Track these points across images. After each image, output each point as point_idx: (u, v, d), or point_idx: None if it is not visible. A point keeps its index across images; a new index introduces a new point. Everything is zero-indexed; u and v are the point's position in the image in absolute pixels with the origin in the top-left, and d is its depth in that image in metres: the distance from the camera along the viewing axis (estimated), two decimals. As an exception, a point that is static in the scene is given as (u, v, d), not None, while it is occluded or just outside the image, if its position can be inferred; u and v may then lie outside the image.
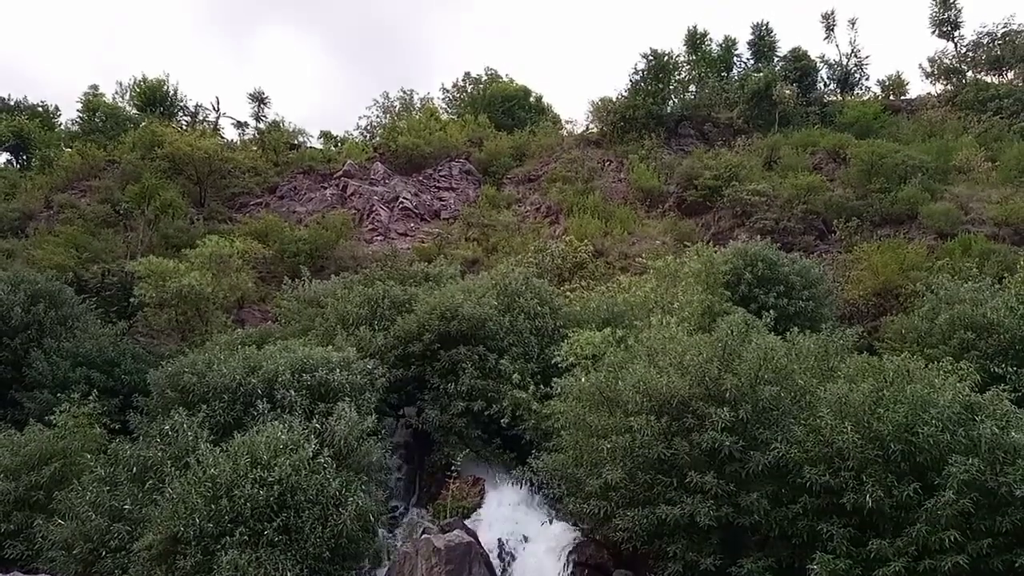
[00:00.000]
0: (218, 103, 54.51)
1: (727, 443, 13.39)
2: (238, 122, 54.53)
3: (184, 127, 50.71)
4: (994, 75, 53.06)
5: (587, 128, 53.22)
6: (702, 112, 51.22)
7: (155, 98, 52.66)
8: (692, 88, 54.34)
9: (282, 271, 32.00)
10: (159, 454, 15.33)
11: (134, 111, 54.06)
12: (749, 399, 13.96)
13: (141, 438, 16.96)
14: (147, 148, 43.33)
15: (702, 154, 44.27)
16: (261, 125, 54.42)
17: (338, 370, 17.70)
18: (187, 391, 17.52)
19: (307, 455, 14.48)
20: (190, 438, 15.34)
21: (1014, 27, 52.99)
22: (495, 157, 48.29)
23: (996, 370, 17.96)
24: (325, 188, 44.44)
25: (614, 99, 50.89)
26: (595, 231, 36.91)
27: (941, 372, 13.79)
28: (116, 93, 56.25)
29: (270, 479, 13.89)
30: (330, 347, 19.24)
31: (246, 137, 53.53)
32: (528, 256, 32.49)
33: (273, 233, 36.04)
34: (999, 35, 53.17)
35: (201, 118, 53.86)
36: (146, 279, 26.70)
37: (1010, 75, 51.86)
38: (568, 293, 27.30)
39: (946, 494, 11.44)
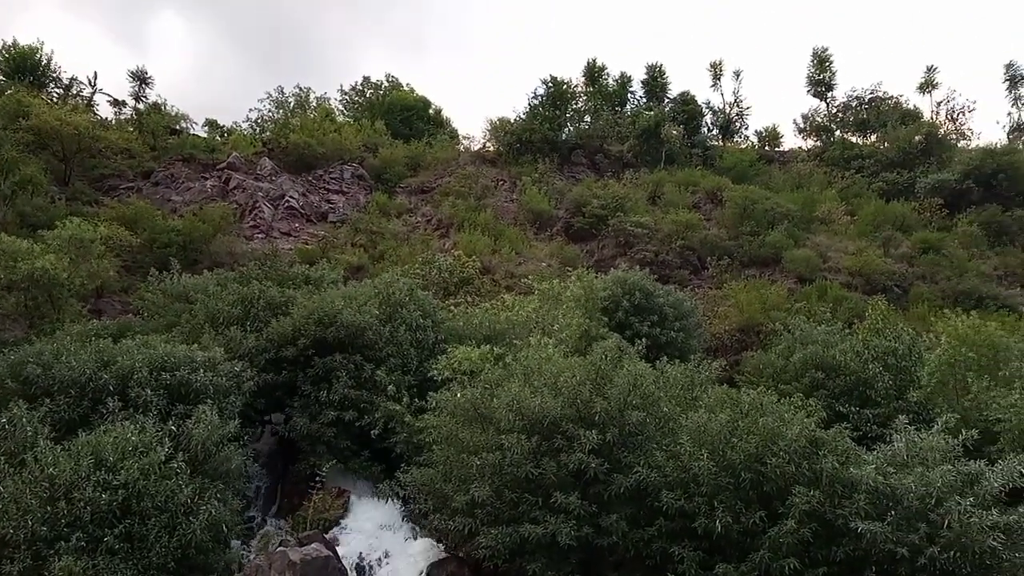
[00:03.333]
0: (95, 78, 50.75)
1: (593, 465, 13.69)
2: (115, 100, 51.12)
3: (55, 100, 47.08)
4: (859, 136, 57.93)
5: (484, 146, 53.81)
6: (595, 142, 52.93)
7: (25, 66, 48.53)
8: (587, 118, 56.05)
9: (150, 262, 30.13)
10: (-9, 449, 14.02)
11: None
12: (617, 423, 14.35)
13: (-28, 431, 15.42)
14: (10, 118, 39.83)
15: (592, 183, 45.73)
16: (141, 106, 51.36)
17: (202, 370, 16.82)
18: (30, 383, 16.14)
19: (158, 459, 13.63)
20: (29, 433, 14.11)
21: (880, 94, 58.23)
22: (389, 165, 47.82)
23: (840, 409, 19.42)
24: (206, 179, 42.40)
25: (512, 120, 51.79)
26: (484, 248, 37.16)
27: (791, 407, 14.69)
28: (-21, 56, 51.50)
29: (115, 482, 13.00)
30: (195, 346, 18.28)
31: (123, 117, 50.32)
32: (415, 267, 32.24)
33: (143, 221, 33.91)
34: (866, 100, 58.20)
35: (75, 92, 50.15)
36: (-6, 258, 24.43)
37: (873, 137, 56.74)
38: (452, 308, 27.25)
39: (788, 523, 12.14)
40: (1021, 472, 12.09)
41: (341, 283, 25.81)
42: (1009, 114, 57.32)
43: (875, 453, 13.50)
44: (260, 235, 37.94)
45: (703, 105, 57.80)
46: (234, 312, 21.26)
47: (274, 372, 19.94)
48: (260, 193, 40.97)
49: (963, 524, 11.46)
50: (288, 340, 20.10)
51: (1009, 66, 57.09)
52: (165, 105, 51.09)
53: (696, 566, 12.53)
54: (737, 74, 60.10)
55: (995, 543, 11.27)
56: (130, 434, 13.92)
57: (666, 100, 57.43)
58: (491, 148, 52.64)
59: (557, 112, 52.87)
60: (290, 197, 41.42)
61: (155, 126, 46.62)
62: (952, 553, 11.51)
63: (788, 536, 12.06)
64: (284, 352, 20.00)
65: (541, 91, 53.24)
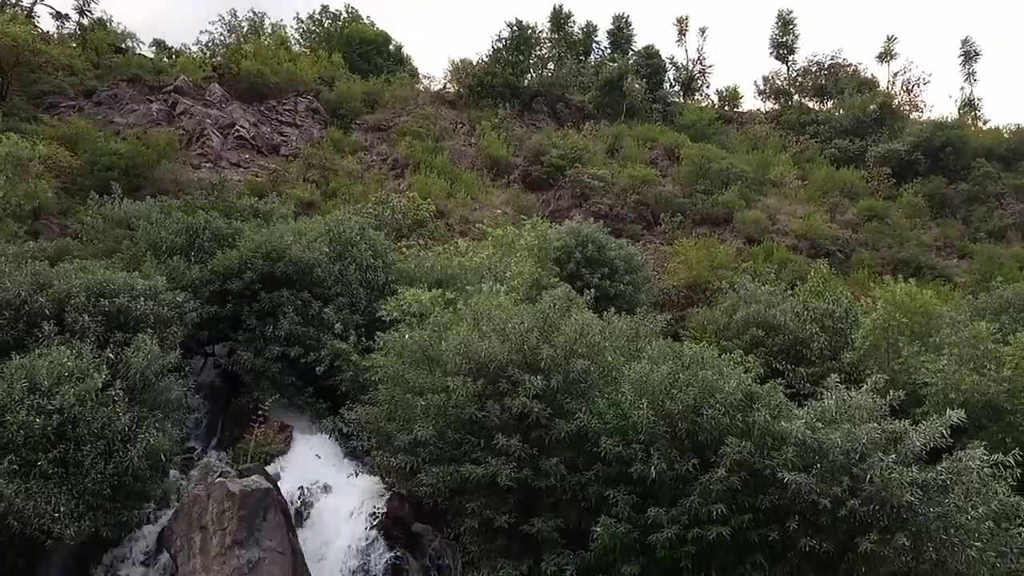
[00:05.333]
0: (36, -14, 47.76)
1: (536, 409, 13.95)
2: (57, 13, 48.23)
3: (-10, 7, 44.23)
4: (816, 101, 58.59)
5: (444, 87, 52.74)
6: (557, 91, 52.40)
7: (-44, -32, 45.40)
8: (551, 66, 55.30)
9: (90, 185, 28.89)
10: (-81, 369, 13.56)
11: (-73, -22, 46.27)
12: (562, 370, 14.60)
13: (-101, 351, 14.86)
14: (-60, 25, 37.35)
15: (551, 132, 45.46)
16: (85, 21, 48.64)
17: (142, 299, 16.41)
18: (-39, 302, 15.56)
19: (95, 386, 13.40)
20: (-42, 354, 13.72)
21: (839, 61, 58.83)
22: (346, 100, 46.53)
23: (777, 366, 20.07)
24: (151, 102, 40.58)
25: (474, 63, 50.75)
26: (439, 191, 36.73)
27: (731, 362, 15.11)
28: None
29: (49, 407, 12.80)
30: (136, 273, 17.79)
31: (65, 32, 47.64)
32: (368, 206, 31.74)
33: (84, 141, 32.39)
34: (826, 66, 58.75)
35: (13, 1, 47.18)
36: (-78, 173, 23.23)
37: (829, 104, 57.44)
38: (404, 250, 27.05)
39: (719, 471, 12.61)
40: (942, 433, 12.70)
41: (291, 218, 25.26)
42: (962, 88, 58.73)
43: (806, 409, 14.00)
44: (207, 164, 36.70)
45: (667, 60, 57.62)
46: (178, 241, 20.72)
47: (218, 305, 19.61)
48: (209, 120, 39.50)
49: (884, 479, 12.03)
50: (234, 273, 19.72)
51: (965, 41, 58.28)
52: (111, 21, 48.57)
53: (629, 509, 12.95)
54: (703, 31, 60.03)
55: (912, 498, 11.88)
56: (66, 359, 13.65)
57: (630, 53, 56.94)
58: (451, 90, 51.63)
59: (520, 57, 52.01)
60: (240, 126, 40.04)
61: (99, 43, 44.26)
62: (872, 506, 12.13)
63: (718, 484, 12.54)
64: (229, 285, 19.64)
65: (505, 34, 52.20)
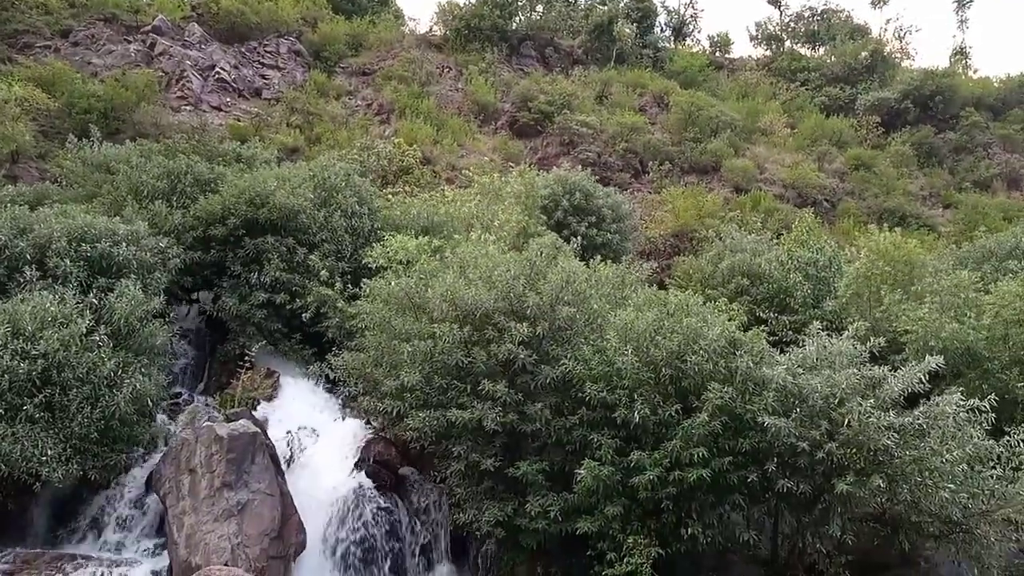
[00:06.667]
0: (3, -81, 45.82)
1: (522, 356, 14.03)
2: (27, -53, 46.45)
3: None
4: (808, 48, 57.89)
5: (430, 29, 51.57)
6: (546, 35, 51.39)
7: None
8: (539, 8, 54.10)
9: (68, 128, 28.28)
10: (-102, 316, 13.39)
11: None
12: (548, 317, 14.65)
13: None
14: (-95, -42, 35.92)
15: (540, 77, 44.74)
16: (57, -44, 46.80)
17: (124, 244, 16.20)
18: (-60, 247, 15.31)
19: (79, 331, 13.32)
20: (-62, 299, 13.57)
21: (832, 7, 57.99)
22: (329, 42, 45.44)
23: (761, 314, 20.28)
24: (129, 42, 39.39)
25: (461, 5, 49.56)
26: (426, 137, 36.24)
27: (715, 310, 15.22)
28: None
29: (34, 352, 12.71)
30: (117, 218, 17.53)
31: (37, -33, 45.89)
32: (353, 152, 31.32)
33: (61, 83, 31.56)
34: (819, 11, 57.90)
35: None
36: None
37: (821, 51, 56.76)
38: (390, 196, 26.80)
39: (701, 416, 12.81)
40: (920, 379, 12.92)
41: (274, 164, 24.88)
42: (953, 36, 58.34)
43: (787, 355, 14.17)
44: (188, 107, 35.91)
45: (658, 4, 56.55)
46: (159, 186, 20.35)
47: (202, 251, 19.42)
48: (188, 62, 38.49)
49: (862, 423, 12.26)
50: (217, 219, 19.48)
51: (959, -13, 57.50)
52: (84, -43, 46.78)
53: (613, 452, 13.17)
54: (696, -27, 58.69)
55: (889, 442, 12.13)
56: (49, 304, 13.53)
57: (621, -5, 55.75)
58: (438, 33, 50.51)
59: (509, -1, 50.76)
60: (221, 69, 39.08)
61: (73, -20, 42.77)
62: (849, 449, 12.40)
63: (700, 428, 12.73)
64: (213, 231, 19.42)
65: (494, -25, 50.77)
